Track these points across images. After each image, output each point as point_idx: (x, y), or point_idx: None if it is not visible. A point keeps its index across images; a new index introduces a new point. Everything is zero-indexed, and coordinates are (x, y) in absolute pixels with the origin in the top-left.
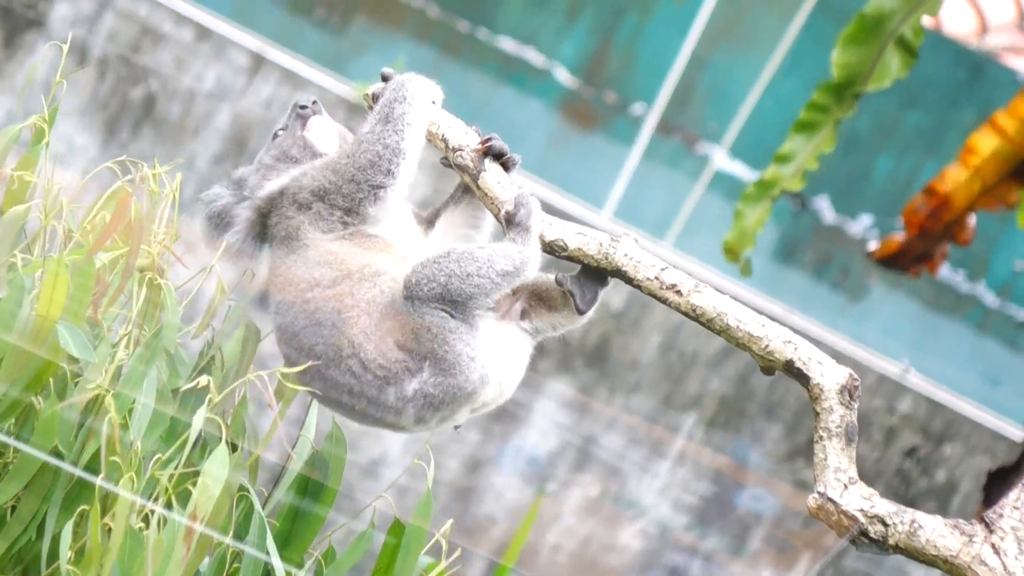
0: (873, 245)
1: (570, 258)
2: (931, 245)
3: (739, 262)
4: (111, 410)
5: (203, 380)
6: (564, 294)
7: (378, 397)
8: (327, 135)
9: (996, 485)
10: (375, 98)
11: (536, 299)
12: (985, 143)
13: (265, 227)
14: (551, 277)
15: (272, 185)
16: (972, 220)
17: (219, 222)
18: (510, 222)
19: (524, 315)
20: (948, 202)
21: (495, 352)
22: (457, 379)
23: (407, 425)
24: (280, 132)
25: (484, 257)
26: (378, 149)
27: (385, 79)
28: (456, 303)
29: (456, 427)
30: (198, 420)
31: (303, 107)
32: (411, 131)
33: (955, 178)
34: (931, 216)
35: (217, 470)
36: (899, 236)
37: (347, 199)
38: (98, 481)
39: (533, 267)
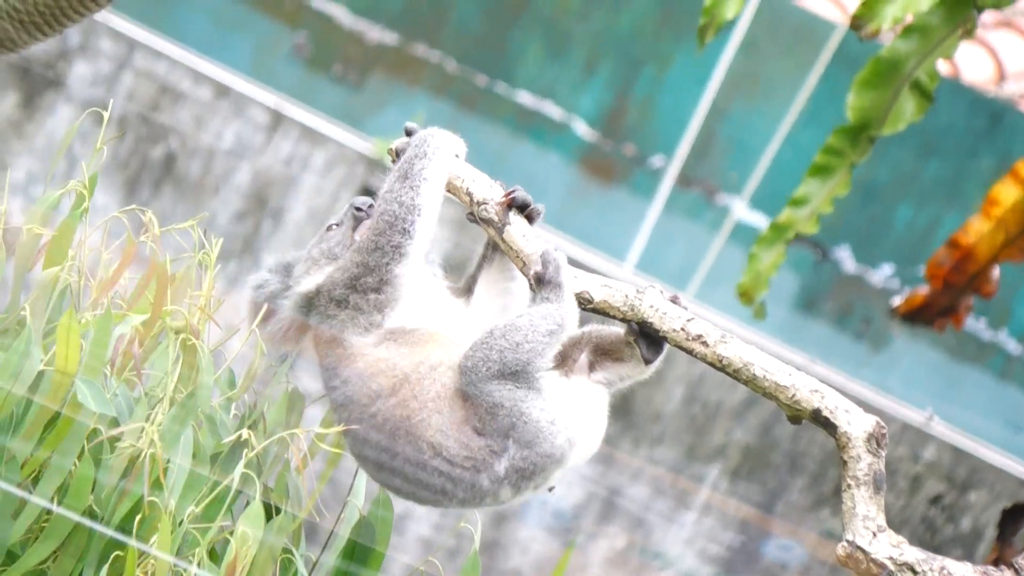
0: (897, 300)
1: (595, 310)
2: (955, 298)
3: (753, 305)
4: (148, 470)
5: (244, 434)
6: (629, 344)
7: (472, 486)
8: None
9: (1010, 523)
10: (398, 153)
11: (601, 353)
12: (1007, 193)
13: (308, 316)
14: (614, 330)
15: (309, 283)
16: (996, 272)
17: (263, 307)
18: (540, 281)
19: (592, 368)
20: (971, 254)
21: (572, 409)
22: (543, 446)
23: (505, 500)
24: (334, 226)
25: (526, 324)
26: (395, 209)
27: (409, 134)
28: (516, 374)
29: (550, 489)
30: (236, 474)
31: (359, 209)
32: (427, 186)
33: (978, 230)
34: (955, 269)
35: (251, 527)
36: (923, 290)
37: (375, 272)
38: (132, 542)
39: (573, 320)
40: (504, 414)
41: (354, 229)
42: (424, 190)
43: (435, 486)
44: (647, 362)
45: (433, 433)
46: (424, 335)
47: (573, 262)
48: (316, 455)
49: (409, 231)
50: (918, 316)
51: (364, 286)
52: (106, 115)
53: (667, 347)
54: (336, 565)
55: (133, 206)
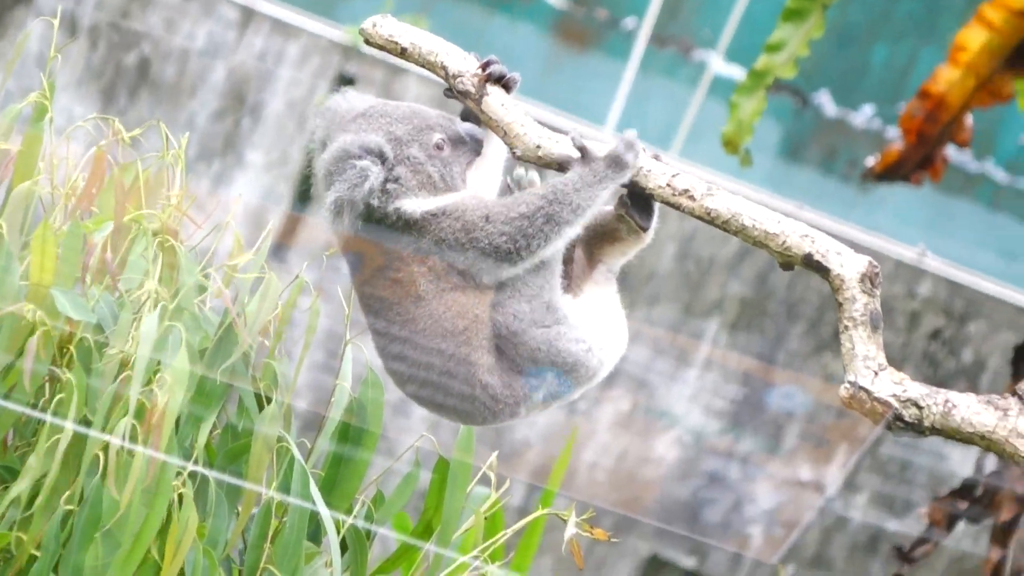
0: (871, 160)
1: None
2: (931, 149)
3: (738, 154)
4: (138, 374)
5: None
6: (620, 218)
7: (512, 415)
8: (485, 181)
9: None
10: (584, 152)
11: (596, 241)
12: (974, 38)
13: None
14: (605, 213)
15: (425, 204)
16: (969, 119)
17: (356, 205)
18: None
19: (593, 263)
20: (943, 103)
21: (598, 327)
22: (580, 372)
23: (516, 419)
24: (443, 143)
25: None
26: (519, 245)
27: (582, 151)
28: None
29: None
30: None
31: (478, 143)
32: (558, 242)
33: (947, 78)
34: (928, 120)
35: (178, 386)
36: (897, 145)
37: (468, 260)
38: (138, 448)
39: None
40: (543, 356)
41: (468, 165)
42: (556, 244)
43: (478, 415)
44: (643, 230)
45: (483, 373)
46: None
47: (554, 131)
48: (296, 344)
49: (514, 263)
50: (895, 172)
51: (466, 253)
52: (55, 21)
53: (659, 209)
54: (331, 449)
55: (95, 114)
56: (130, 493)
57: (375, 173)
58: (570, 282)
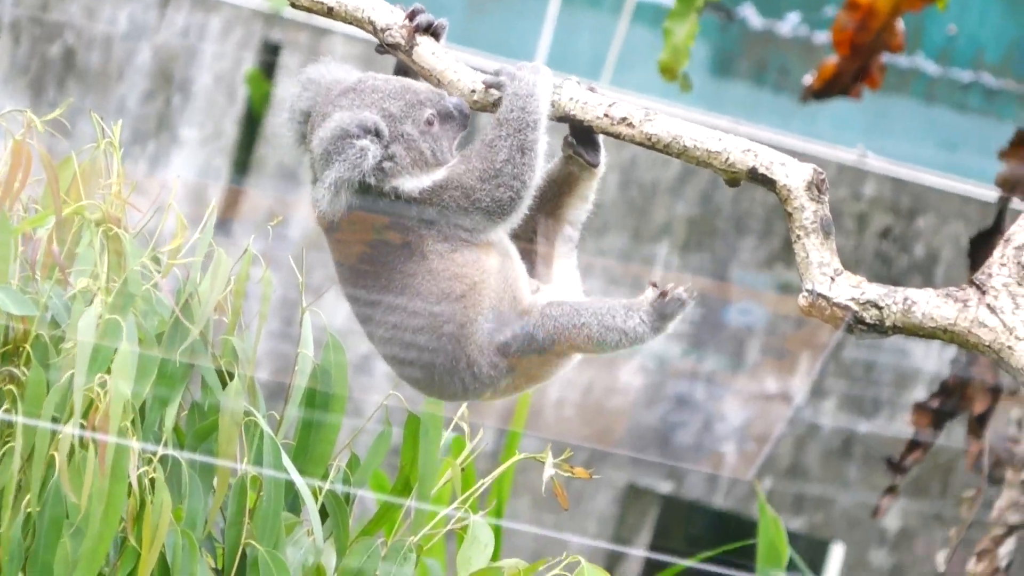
0: (808, 78)
1: None
2: (866, 60)
3: (678, 79)
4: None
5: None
6: (569, 159)
7: (490, 394)
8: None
9: (980, 250)
10: (493, 87)
11: (556, 196)
12: None
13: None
14: (554, 163)
15: (421, 180)
16: (900, 24)
17: (353, 184)
18: (658, 310)
19: (559, 223)
20: (872, 11)
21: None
22: (540, 380)
23: (478, 399)
24: (433, 117)
25: (613, 341)
26: (517, 187)
27: (496, 84)
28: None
29: None
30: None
31: (465, 117)
32: (541, 160)
33: None
34: (859, 30)
35: (122, 379)
36: (831, 60)
37: (472, 222)
38: (109, 437)
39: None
40: (536, 347)
41: (455, 138)
42: (539, 166)
43: (448, 389)
44: (593, 165)
45: (473, 348)
46: (490, 249)
47: (484, 72)
48: (254, 316)
49: (522, 207)
50: (832, 88)
51: (457, 217)
52: None
53: (601, 143)
54: (300, 417)
55: (9, 108)
56: (88, 487)
57: (373, 152)
58: (535, 268)
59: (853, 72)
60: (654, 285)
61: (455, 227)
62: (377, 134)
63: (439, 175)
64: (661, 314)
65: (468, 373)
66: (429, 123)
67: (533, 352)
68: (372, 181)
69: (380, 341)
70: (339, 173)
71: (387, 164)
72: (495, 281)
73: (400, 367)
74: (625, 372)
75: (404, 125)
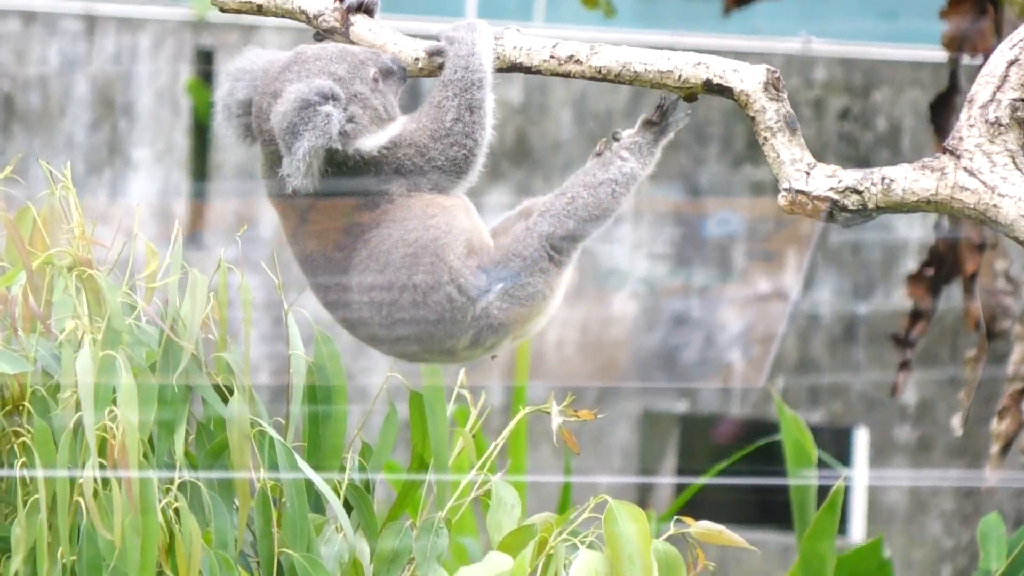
0: None
1: None
2: None
3: (600, 6)
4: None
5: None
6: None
7: (462, 321)
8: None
9: (941, 114)
10: (437, 54)
11: None
12: None
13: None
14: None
15: (379, 138)
16: None
17: (320, 153)
18: (649, 126)
19: None
20: None
21: (560, 289)
22: (523, 310)
23: (459, 351)
24: (378, 76)
25: (607, 195)
26: (469, 145)
27: (438, 50)
28: (565, 249)
29: (493, 356)
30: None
31: (403, 70)
32: (490, 116)
33: None
34: None
35: (128, 408)
36: None
37: (433, 181)
38: (124, 473)
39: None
40: (517, 264)
41: (395, 93)
42: (489, 123)
43: (432, 318)
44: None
45: (454, 258)
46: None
47: (423, 35)
48: (240, 324)
49: (477, 163)
50: None
51: (422, 173)
52: None
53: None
54: (305, 416)
55: None
56: (119, 524)
57: (337, 116)
58: None
59: None
60: (598, 154)
61: (415, 184)
62: (335, 98)
63: (394, 131)
64: (661, 130)
65: (453, 287)
66: (375, 80)
67: (531, 254)
68: (339, 146)
69: (360, 323)
70: (311, 142)
71: (349, 126)
72: (464, 219)
73: (388, 343)
74: (617, 302)
75: (355, 85)
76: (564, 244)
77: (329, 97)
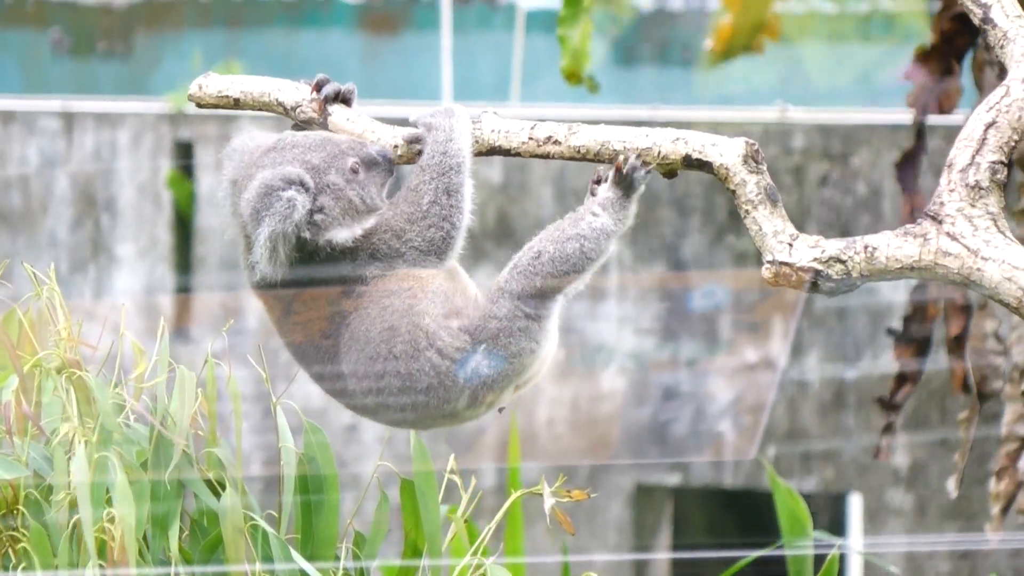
0: (708, 43)
1: None
2: (759, 12)
3: (584, 82)
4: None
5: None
6: None
7: (453, 385)
8: None
9: (906, 172)
10: (415, 141)
11: None
12: None
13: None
14: None
15: (350, 232)
16: None
17: (289, 239)
18: (617, 181)
19: None
20: None
21: (549, 337)
22: (513, 366)
23: (461, 411)
24: (358, 166)
25: (575, 251)
26: (447, 228)
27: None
28: (544, 298)
29: (500, 409)
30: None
31: (390, 161)
32: (468, 200)
33: None
34: None
35: (123, 506)
36: (726, 19)
37: (410, 262)
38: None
39: (619, 237)
40: (495, 326)
41: (382, 184)
42: (467, 208)
43: (419, 386)
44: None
45: (430, 321)
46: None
47: (402, 122)
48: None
49: (456, 246)
50: (734, 47)
51: (396, 258)
52: None
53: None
54: (298, 507)
55: None
56: None
57: (302, 202)
58: None
59: (750, 27)
60: (596, 181)
61: (391, 266)
62: (303, 185)
63: (370, 222)
64: (628, 187)
65: (433, 352)
66: (354, 171)
67: (506, 314)
68: (307, 235)
69: (361, 406)
70: (271, 227)
71: (318, 216)
72: (443, 283)
73: (389, 415)
74: (606, 379)
75: (328, 175)
76: (536, 302)
77: (294, 183)
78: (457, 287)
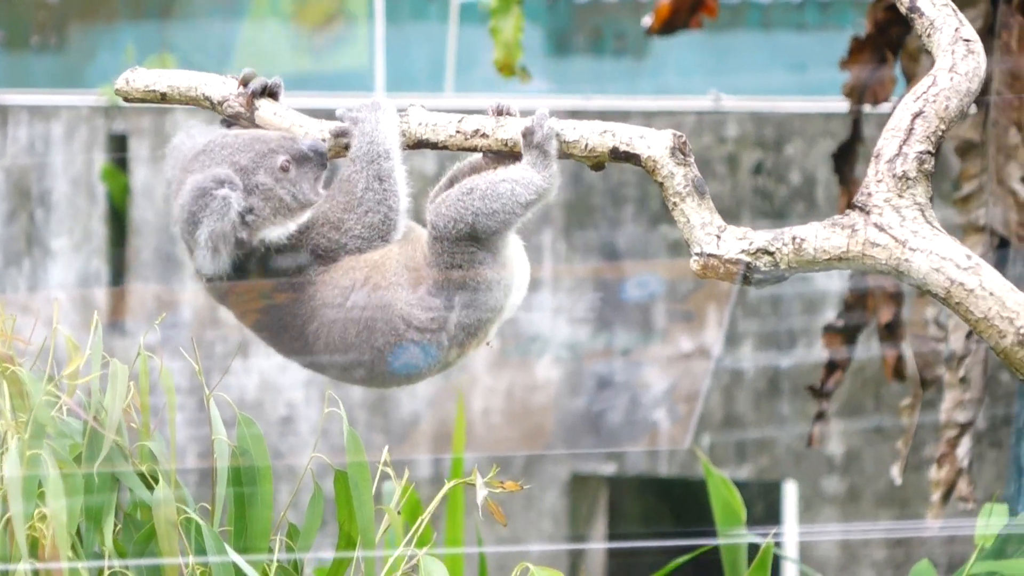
0: (647, 20)
1: None
2: None
3: (516, 73)
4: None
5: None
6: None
7: (440, 347)
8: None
9: (843, 164)
10: (340, 134)
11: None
12: None
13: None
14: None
15: (286, 228)
16: None
17: (228, 237)
18: (528, 143)
19: None
20: None
21: (512, 264)
22: (489, 303)
23: (452, 360)
24: (288, 164)
25: (507, 191)
26: (384, 211)
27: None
28: (482, 240)
29: (488, 343)
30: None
31: (322, 155)
32: (402, 183)
33: None
34: None
35: (55, 500)
36: (665, 1)
37: (353, 251)
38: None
39: (554, 190)
40: (460, 275)
41: (316, 180)
42: (402, 189)
43: (413, 362)
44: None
45: (402, 306)
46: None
47: (330, 114)
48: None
49: (396, 227)
50: (672, 24)
51: (338, 250)
52: None
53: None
54: (231, 499)
55: None
56: None
57: (236, 199)
58: None
59: (689, 5)
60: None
61: (333, 259)
62: (233, 185)
63: (305, 218)
64: (541, 150)
65: (414, 332)
66: (284, 169)
67: (450, 255)
68: (243, 235)
69: (331, 367)
70: (210, 227)
71: (249, 217)
72: (395, 253)
73: (358, 375)
74: (541, 369)
75: (257, 176)
76: (482, 240)
77: (226, 182)
78: (409, 245)
